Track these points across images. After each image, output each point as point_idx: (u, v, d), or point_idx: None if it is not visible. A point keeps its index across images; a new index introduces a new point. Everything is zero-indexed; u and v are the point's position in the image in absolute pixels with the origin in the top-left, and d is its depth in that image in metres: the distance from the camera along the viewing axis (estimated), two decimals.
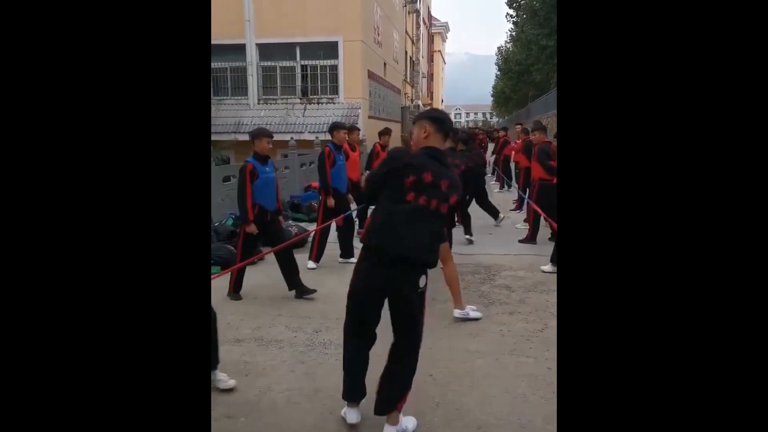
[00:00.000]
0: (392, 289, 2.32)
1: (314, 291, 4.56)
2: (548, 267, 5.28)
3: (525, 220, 7.42)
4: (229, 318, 3.99)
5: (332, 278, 5.18)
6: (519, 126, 10.87)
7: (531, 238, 6.61)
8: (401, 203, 2.25)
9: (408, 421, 2.44)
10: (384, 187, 2.31)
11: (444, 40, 60.58)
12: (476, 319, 3.92)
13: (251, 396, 2.82)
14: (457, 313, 3.95)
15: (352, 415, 2.49)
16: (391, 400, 2.37)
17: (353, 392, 2.48)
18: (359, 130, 7.09)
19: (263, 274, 5.12)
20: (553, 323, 3.90)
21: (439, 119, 2.43)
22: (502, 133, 12.60)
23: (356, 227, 6.21)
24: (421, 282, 2.31)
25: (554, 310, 4.17)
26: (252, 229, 4.37)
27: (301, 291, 4.53)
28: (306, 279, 5.11)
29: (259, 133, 4.44)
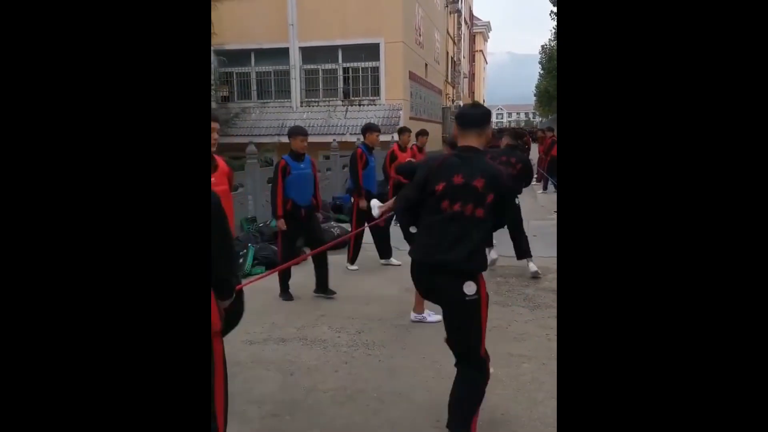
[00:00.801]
0: (438, 299, 2.29)
1: (335, 293, 4.61)
2: None
3: None
4: (274, 318, 4.07)
5: (372, 279, 5.21)
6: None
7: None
8: (437, 213, 2.19)
9: None
10: (420, 199, 2.27)
11: (486, 40, 59.93)
12: (435, 323, 3.73)
13: (297, 395, 2.86)
14: (413, 316, 3.94)
15: None
16: (459, 424, 2.22)
17: None
18: (410, 131, 6.96)
19: (306, 274, 5.19)
20: None
21: (459, 116, 2.37)
22: (549, 134, 12.34)
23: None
24: (468, 289, 2.14)
25: None
26: (281, 224, 4.48)
27: (323, 290, 4.60)
28: (346, 280, 5.16)
29: (294, 132, 4.60)
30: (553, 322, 3.92)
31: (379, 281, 5.16)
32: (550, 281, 5.00)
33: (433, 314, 3.87)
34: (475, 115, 2.34)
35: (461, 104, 29.78)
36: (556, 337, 3.55)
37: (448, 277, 2.17)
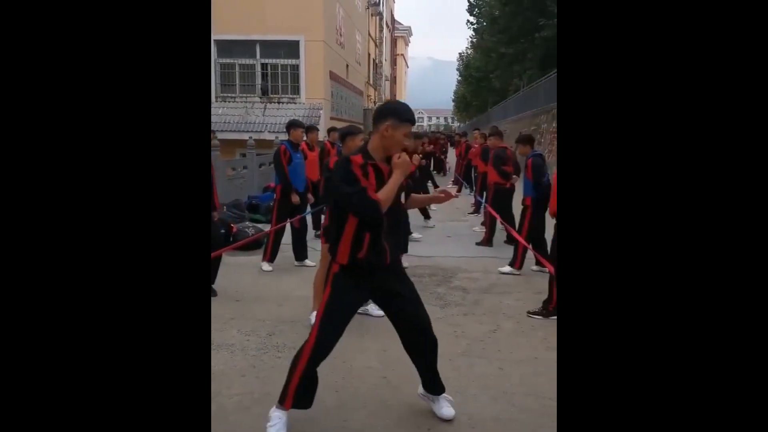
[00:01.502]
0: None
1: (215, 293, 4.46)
2: (506, 269, 5.38)
3: (482, 224, 7.54)
4: None
5: (288, 280, 5.12)
6: (476, 131, 11.07)
7: (488, 241, 6.72)
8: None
9: None
10: None
11: (407, 44, 61.14)
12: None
13: None
14: (311, 318, 3.84)
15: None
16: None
17: None
18: (318, 129, 7.04)
19: (221, 275, 5.00)
20: (506, 324, 3.97)
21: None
22: (464, 139, 12.84)
23: (311, 229, 6.15)
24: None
25: (507, 311, 4.25)
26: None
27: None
28: (260, 282, 5.04)
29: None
30: (462, 320, 4.06)
31: (295, 282, 5.08)
32: (460, 280, 5.18)
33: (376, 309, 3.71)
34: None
35: None
36: (462, 337, 3.70)
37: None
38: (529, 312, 4.16)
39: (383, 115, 2.34)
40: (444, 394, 2.62)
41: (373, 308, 3.86)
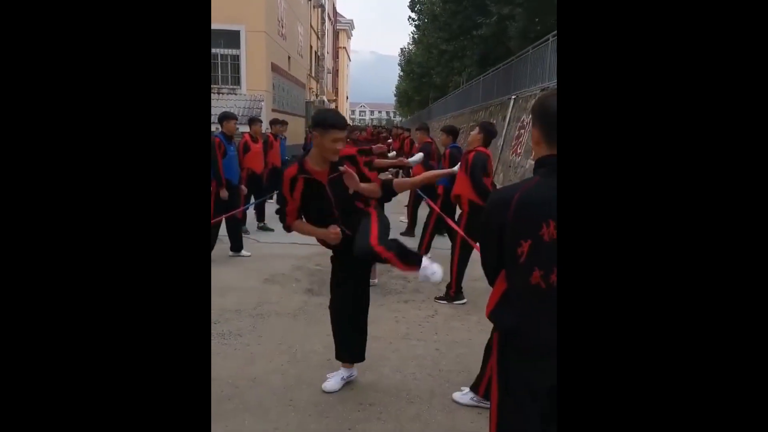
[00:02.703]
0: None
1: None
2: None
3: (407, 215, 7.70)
4: None
5: (228, 271, 5.14)
6: (418, 131, 11.21)
7: (409, 231, 7.04)
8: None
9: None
10: None
11: (349, 37, 60.90)
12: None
13: None
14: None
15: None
16: None
17: None
18: (261, 122, 7.04)
19: None
20: (443, 309, 4.22)
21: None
22: (406, 134, 12.87)
23: (255, 221, 6.16)
24: None
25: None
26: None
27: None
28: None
29: (226, 116, 5.18)
30: (403, 306, 4.27)
31: (236, 272, 5.11)
32: (399, 270, 5.39)
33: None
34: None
35: (325, 99, 30.01)
36: (402, 322, 3.91)
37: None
38: (436, 298, 4.43)
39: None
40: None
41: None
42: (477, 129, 4.05)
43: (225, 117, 5.64)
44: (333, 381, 2.83)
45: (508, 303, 1.47)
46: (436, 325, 3.87)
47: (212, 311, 3.96)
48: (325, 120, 2.49)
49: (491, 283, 1.55)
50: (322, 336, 3.51)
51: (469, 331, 3.77)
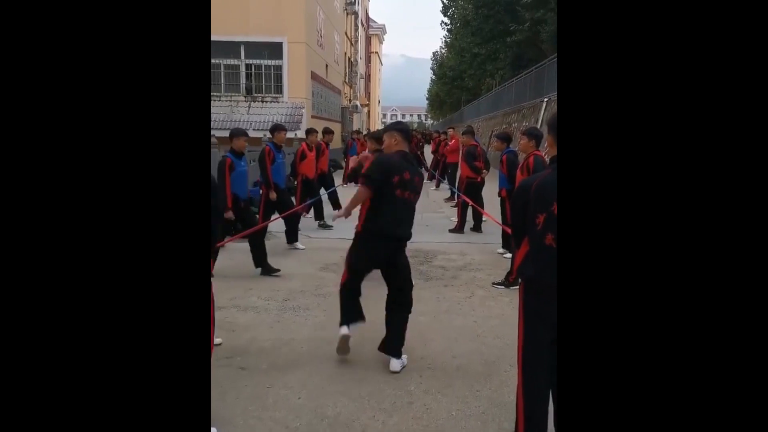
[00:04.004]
0: (390, 259, 3.21)
1: (279, 270, 5.25)
2: (500, 250, 6.28)
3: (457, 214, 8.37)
4: None
5: (287, 261, 5.85)
6: (451, 129, 12.05)
7: (459, 229, 7.59)
8: (393, 198, 3.08)
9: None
10: (381, 185, 3.08)
11: (381, 42, 61.59)
12: None
13: (241, 343, 3.50)
14: None
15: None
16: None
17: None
18: (316, 132, 7.75)
19: (227, 258, 5.70)
20: (479, 292, 4.81)
21: (405, 131, 3.32)
22: (443, 137, 13.76)
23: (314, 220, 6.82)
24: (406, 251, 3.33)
25: (480, 283, 5.09)
26: (229, 215, 4.99)
27: (267, 270, 5.22)
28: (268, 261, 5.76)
29: (237, 133, 5.18)
30: (443, 290, 4.88)
31: (295, 262, 5.82)
32: (440, 260, 6.01)
33: None
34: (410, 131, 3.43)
35: (358, 104, 30.77)
36: (444, 301, 4.51)
37: (402, 244, 3.29)
38: (493, 283, 5.02)
39: (396, 131, 3.31)
40: (399, 359, 3.24)
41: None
42: (526, 136, 4.61)
43: (276, 128, 6.42)
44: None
45: (529, 259, 2.09)
46: (473, 304, 4.47)
47: (282, 292, 4.66)
48: (409, 132, 3.39)
49: (518, 246, 2.16)
50: (374, 309, 4.15)
51: (503, 308, 4.35)
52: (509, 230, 6.03)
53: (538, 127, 11.98)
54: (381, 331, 3.30)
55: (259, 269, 5.25)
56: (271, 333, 3.72)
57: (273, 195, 6.08)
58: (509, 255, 6.16)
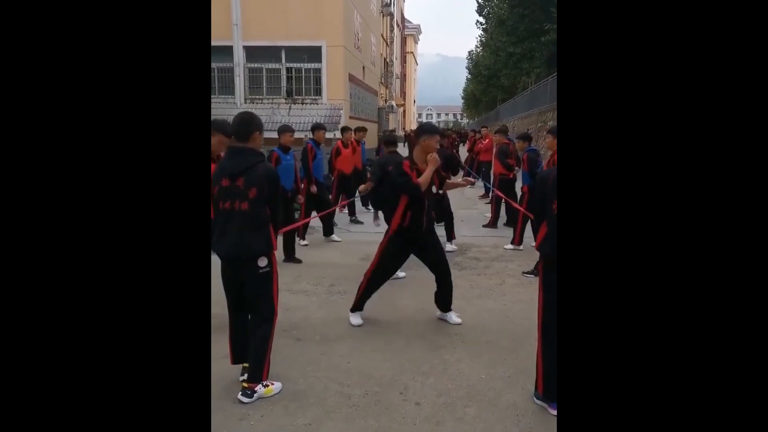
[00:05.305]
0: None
1: (300, 261, 5.79)
2: (509, 246, 6.56)
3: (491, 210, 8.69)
4: None
5: (328, 252, 6.34)
6: (484, 129, 12.40)
7: (493, 223, 7.91)
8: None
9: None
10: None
11: (416, 42, 61.85)
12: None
13: (295, 320, 3.97)
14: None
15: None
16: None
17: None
18: (351, 130, 8.24)
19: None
20: (510, 281, 5.15)
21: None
22: (477, 135, 14.08)
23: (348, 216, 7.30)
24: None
25: (511, 273, 5.43)
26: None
27: (291, 258, 5.79)
28: (306, 253, 6.27)
29: (283, 129, 5.81)
30: (476, 278, 5.24)
31: (336, 253, 6.29)
32: (474, 253, 6.37)
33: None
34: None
35: (394, 104, 31.19)
36: (476, 287, 4.88)
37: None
38: (523, 272, 5.35)
39: (420, 133, 3.68)
40: (450, 312, 3.97)
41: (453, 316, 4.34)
42: (551, 135, 4.90)
43: (317, 127, 7.00)
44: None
45: (547, 239, 2.47)
46: (504, 290, 4.83)
47: (327, 278, 5.13)
48: (432, 128, 3.74)
49: (538, 229, 2.55)
50: (413, 294, 4.57)
51: (531, 294, 4.67)
52: (529, 215, 6.43)
53: None
54: (420, 311, 3.70)
55: (283, 257, 5.77)
56: (321, 312, 4.19)
57: (314, 188, 6.60)
58: (510, 246, 6.52)
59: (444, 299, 3.99)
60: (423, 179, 3.57)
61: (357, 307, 3.99)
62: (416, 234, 3.71)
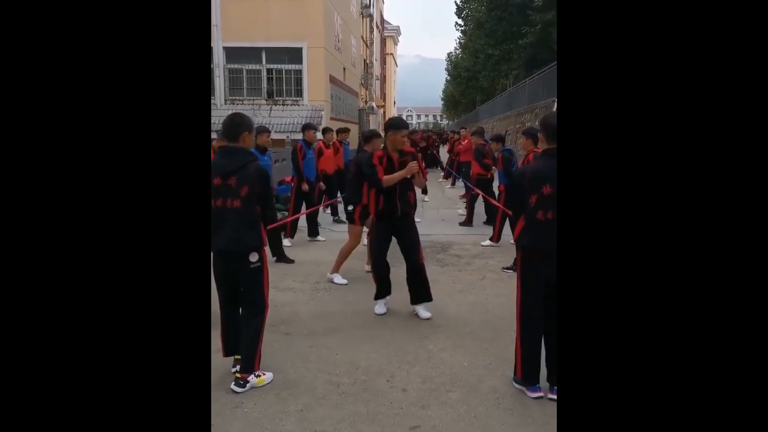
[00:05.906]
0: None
1: (293, 261, 5.85)
2: (487, 242, 6.76)
3: (465, 207, 8.87)
4: None
5: (312, 251, 6.45)
6: (463, 129, 12.75)
7: (468, 222, 8.14)
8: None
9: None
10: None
11: (396, 44, 62.07)
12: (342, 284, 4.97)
13: (283, 316, 4.08)
14: (328, 275, 5.07)
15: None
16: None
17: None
18: (332, 130, 8.37)
19: None
20: (490, 276, 5.34)
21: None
22: (456, 136, 14.38)
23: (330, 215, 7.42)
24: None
25: (491, 269, 5.61)
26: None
27: (281, 258, 5.86)
28: (294, 252, 6.35)
29: (261, 130, 5.82)
30: (456, 274, 5.41)
31: (320, 251, 6.41)
32: (455, 250, 6.55)
33: (341, 279, 5.02)
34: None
35: (374, 105, 31.36)
36: (458, 283, 5.04)
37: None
38: (503, 268, 5.55)
39: (387, 129, 3.93)
40: (420, 306, 4.10)
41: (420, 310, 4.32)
42: (524, 136, 5.08)
43: (307, 127, 7.11)
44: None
45: (525, 232, 2.64)
46: (485, 285, 5.01)
47: (313, 276, 5.25)
48: (396, 124, 3.91)
49: (516, 221, 2.72)
50: (397, 289, 4.71)
51: (510, 289, 4.84)
52: (508, 212, 6.65)
53: None
54: (405, 305, 3.85)
55: (275, 257, 5.83)
56: (308, 308, 4.31)
57: (305, 186, 6.72)
58: (487, 243, 6.73)
59: (412, 289, 4.12)
60: (387, 178, 3.81)
61: (379, 294, 4.19)
62: (392, 217, 3.93)
